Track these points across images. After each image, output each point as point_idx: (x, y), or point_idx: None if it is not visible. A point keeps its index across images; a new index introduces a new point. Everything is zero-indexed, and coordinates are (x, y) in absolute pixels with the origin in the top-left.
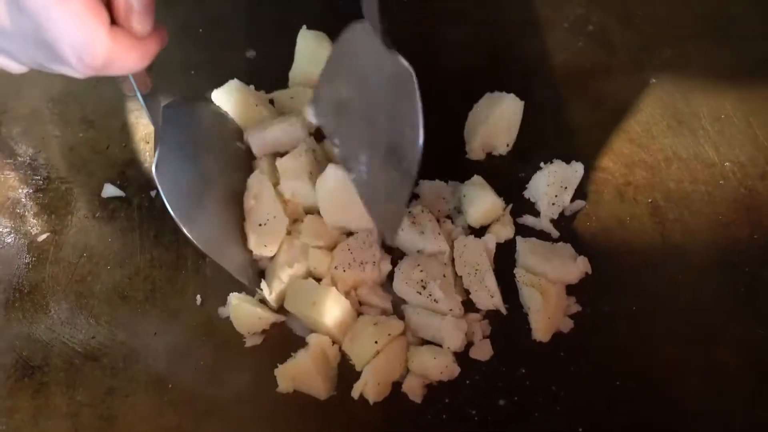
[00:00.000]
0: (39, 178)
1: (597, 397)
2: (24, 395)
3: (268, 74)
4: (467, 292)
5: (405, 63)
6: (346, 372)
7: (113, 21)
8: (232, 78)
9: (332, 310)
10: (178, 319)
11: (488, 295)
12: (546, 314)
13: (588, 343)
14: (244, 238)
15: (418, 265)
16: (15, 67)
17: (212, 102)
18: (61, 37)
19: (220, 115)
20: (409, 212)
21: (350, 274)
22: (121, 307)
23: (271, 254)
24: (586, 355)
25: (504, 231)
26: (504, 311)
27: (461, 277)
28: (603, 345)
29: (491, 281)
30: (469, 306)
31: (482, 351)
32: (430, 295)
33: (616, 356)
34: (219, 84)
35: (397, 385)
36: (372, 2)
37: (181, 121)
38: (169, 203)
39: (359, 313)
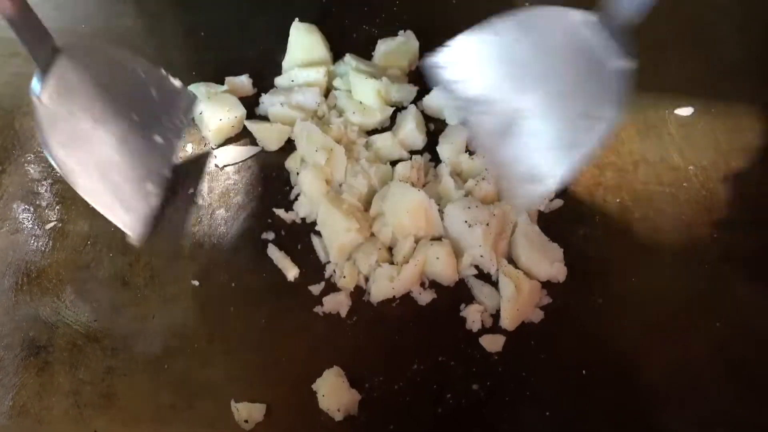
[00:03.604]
0: (49, 169)
1: (564, 383)
2: (29, 373)
3: (264, 66)
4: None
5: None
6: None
7: None
8: (230, 74)
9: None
10: (175, 304)
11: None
12: (515, 305)
13: (557, 333)
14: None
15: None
16: None
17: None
18: None
19: (133, 59)
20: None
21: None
22: (121, 292)
23: None
24: (555, 344)
25: None
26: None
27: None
28: (571, 335)
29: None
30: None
31: (493, 343)
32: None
33: (583, 346)
34: (218, 80)
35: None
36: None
37: (79, 64)
38: (47, 139)
39: None
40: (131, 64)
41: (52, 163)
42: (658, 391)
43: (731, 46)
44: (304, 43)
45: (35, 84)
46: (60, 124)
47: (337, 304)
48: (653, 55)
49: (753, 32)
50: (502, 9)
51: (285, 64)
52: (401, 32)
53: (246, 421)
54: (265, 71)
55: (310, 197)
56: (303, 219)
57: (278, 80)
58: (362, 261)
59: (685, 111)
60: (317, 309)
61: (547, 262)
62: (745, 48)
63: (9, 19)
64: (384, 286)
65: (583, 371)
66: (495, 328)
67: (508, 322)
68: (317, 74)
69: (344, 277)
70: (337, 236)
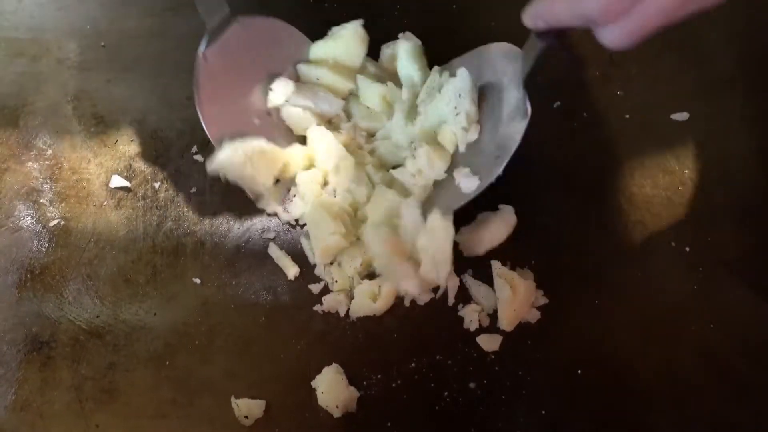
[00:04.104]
0: (53, 168)
1: (560, 382)
2: (32, 368)
3: None
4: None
5: (528, 106)
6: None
7: None
8: None
9: None
10: (177, 302)
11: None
12: (512, 306)
13: (553, 333)
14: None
15: None
16: None
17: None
18: None
19: (287, 29)
20: None
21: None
22: (124, 289)
23: None
24: (551, 344)
25: None
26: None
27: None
28: (567, 335)
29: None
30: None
31: (490, 342)
32: None
33: (579, 346)
34: None
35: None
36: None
37: (245, 33)
38: (200, 91)
39: None
40: (286, 33)
41: (196, 103)
42: (655, 391)
43: (721, 57)
44: (349, 46)
45: (202, 44)
46: (213, 79)
47: (336, 303)
48: (646, 63)
49: (741, 43)
50: (501, 13)
51: (315, 53)
52: (401, 35)
53: (246, 417)
54: None
55: (304, 198)
56: (296, 220)
57: (302, 68)
58: (347, 265)
59: (680, 116)
60: (317, 307)
61: (494, 229)
62: (735, 58)
63: None
64: (365, 304)
65: (579, 371)
66: (492, 327)
67: (506, 323)
68: (344, 84)
69: (336, 281)
70: (322, 238)
